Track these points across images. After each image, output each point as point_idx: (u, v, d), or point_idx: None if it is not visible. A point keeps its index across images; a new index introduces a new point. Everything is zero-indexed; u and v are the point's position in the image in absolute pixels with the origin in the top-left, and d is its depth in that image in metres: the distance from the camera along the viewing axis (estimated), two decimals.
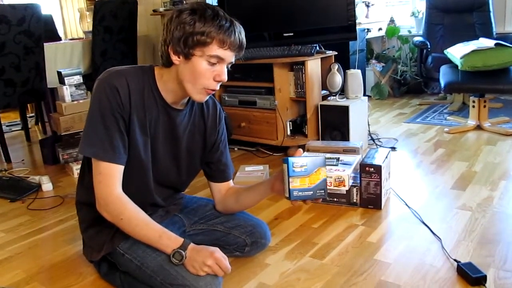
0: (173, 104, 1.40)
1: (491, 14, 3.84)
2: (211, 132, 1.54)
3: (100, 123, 1.30)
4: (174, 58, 1.28)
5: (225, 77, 1.30)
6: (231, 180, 1.64)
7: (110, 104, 1.29)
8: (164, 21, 1.31)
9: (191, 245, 1.31)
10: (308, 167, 1.34)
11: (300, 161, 1.33)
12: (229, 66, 1.33)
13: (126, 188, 1.35)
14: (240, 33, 1.29)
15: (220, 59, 1.27)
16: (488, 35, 3.70)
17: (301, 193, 1.33)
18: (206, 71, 1.28)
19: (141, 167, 1.41)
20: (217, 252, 1.30)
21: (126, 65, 1.39)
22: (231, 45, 1.26)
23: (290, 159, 1.33)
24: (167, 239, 1.31)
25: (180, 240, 1.31)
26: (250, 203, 1.60)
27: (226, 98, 3.12)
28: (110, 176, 1.31)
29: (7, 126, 4.37)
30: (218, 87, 1.33)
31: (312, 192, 1.33)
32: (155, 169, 1.46)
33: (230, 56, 1.29)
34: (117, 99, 1.29)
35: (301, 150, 1.43)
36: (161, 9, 3.90)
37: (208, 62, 1.27)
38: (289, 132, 2.92)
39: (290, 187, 1.32)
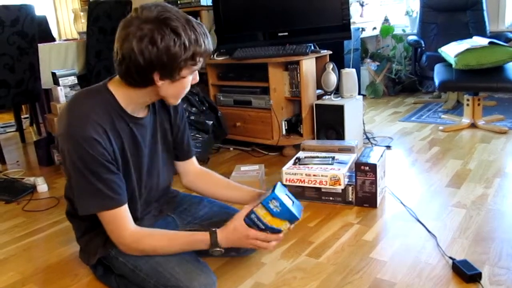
0: (136, 113, 1.36)
1: (485, 12, 3.86)
2: (175, 116, 1.53)
3: (91, 177, 1.24)
4: (160, 82, 1.24)
5: (198, 78, 1.33)
6: (195, 158, 1.66)
7: (93, 157, 1.22)
8: (131, 35, 1.17)
9: (219, 234, 1.32)
10: (280, 212, 1.32)
11: (279, 202, 1.31)
12: None
13: None
14: (209, 37, 1.29)
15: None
16: (482, 33, 3.71)
17: (256, 221, 1.33)
18: (189, 83, 1.30)
19: (132, 190, 1.41)
20: (249, 235, 1.32)
21: (76, 99, 1.30)
22: (209, 54, 1.28)
23: (277, 194, 1.32)
24: (199, 242, 1.33)
25: (207, 235, 1.32)
26: (223, 199, 1.65)
27: (221, 98, 3.12)
28: (119, 219, 1.30)
29: (1, 127, 4.35)
30: None
31: (264, 228, 1.34)
32: (146, 187, 1.46)
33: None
34: (99, 149, 1.23)
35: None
36: None
37: (191, 75, 1.29)
38: (284, 132, 2.92)
39: (254, 209, 1.33)
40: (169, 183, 1.61)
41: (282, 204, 1.32)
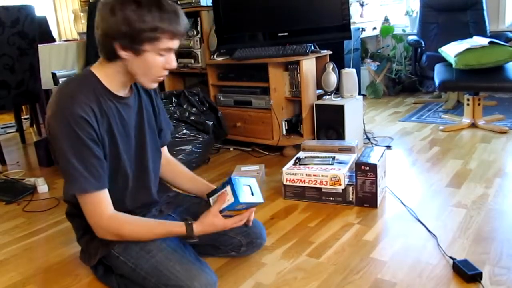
0: (120, 93, 1.39)
1: (485, 12, 3.86)
2: (155, 99, 1.55)
3: (74, 159, 1.26)
4: (123, 53, 1.27)
5: (175, 64, 1.34)
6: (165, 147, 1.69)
7: (79, 136, 1.25)
8: (100, 7, 1.25)
9: (196, 228, 1.35)
10: (247, 207, 1.44)
11: (244, 205, 1.39)
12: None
13: (121, 201, 1.39)
14: (183, 18, 1.30)
15: (170, 50, 1.30)
16: (482, 33, 3.71)
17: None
18: (158, 63, 1.30)
19: (124, 172, 1.43)
20: (227, 225, 1.38)
21: (62, 85, 1.34)
22: (180, 34, 1.29)
23: (240, 199, 1.35)
24: (176, 233, 1.36)
25: (183, 226, 1.35)
26: (186, 191, 1.71)
27: (222, 98, 3.12)
28: (98, 204, 1.31)
29: (1, 128, 4.35)
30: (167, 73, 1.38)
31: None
32: (137, 168, 1.47)
33: (178, 44, 1.32)
34: (86, 128, 1.26)
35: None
36: None
37: (159, 55, 1.29)
38: (284, 132, 2.92)
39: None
40: (159, 168, 1.61)
41: (247, 204, 1.40)
